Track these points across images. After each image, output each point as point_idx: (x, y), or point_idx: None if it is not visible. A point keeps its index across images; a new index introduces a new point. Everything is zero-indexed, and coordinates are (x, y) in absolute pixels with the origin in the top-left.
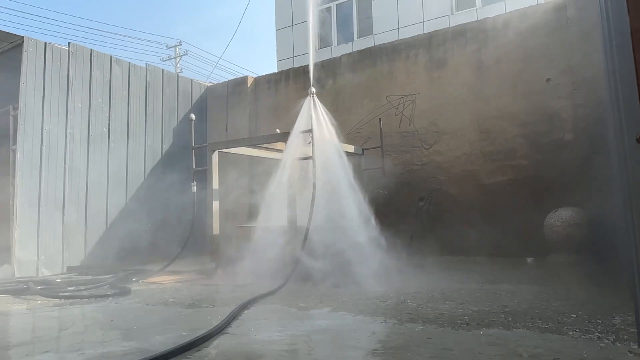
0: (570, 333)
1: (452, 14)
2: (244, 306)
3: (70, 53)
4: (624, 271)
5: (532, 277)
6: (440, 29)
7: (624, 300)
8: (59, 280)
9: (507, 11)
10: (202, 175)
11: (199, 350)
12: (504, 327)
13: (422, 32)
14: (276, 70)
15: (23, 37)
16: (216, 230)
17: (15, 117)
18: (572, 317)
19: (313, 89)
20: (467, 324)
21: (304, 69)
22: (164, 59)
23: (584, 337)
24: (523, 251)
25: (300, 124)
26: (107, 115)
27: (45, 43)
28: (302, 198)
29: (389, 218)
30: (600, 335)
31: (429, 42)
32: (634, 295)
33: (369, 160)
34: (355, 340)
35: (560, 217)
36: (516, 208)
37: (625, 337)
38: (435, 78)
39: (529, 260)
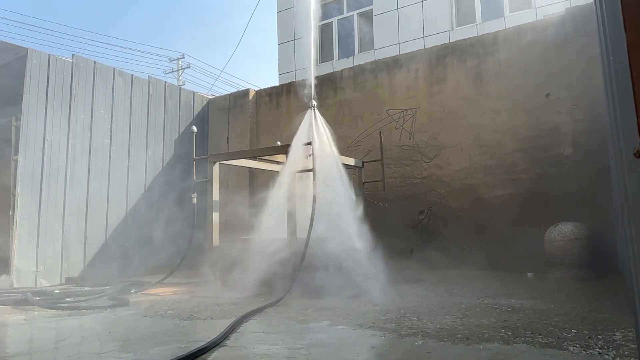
0: (571, 348)
1: (452, 29)
2: (243, 319)
3: (74, 65)
4: (625, 286)
5: (532, 292)
6: (440, 44)
7: (625, 315)
8: (58, 291)
9: (506, 27)
10: (203, 187)
11: None
12: (504, 342)
13: (423, 47)
14: (278, 84)
15: (27, 49)
16: (216, 241)
17: (18, 128)
18: (573, 332)
19: (314, 102)
20: (467, 338)
21: (305, 83)
22: (167, 72)
23: (584, 352)
24: (523, 266)
25: (301, 137)
26: (109, 126)
27: (49, 55)
28: (302, 210)
29: (388, 231)
30: (600, 350)
31: (429, 57)
32: (634, 310)
33: (369, 173)
34: (354, 354)
35: (561, 232)
36: (516, 222)
37: (626, 352)
38: (435, 92)
39: (529, 274)
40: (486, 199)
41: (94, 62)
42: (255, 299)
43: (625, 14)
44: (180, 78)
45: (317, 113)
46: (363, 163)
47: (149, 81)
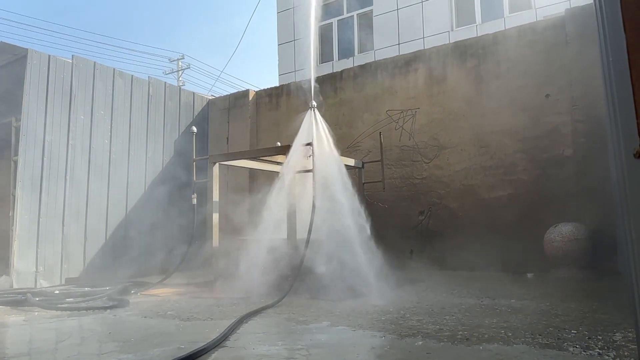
0: (571, 349)
1: (452, 30)
2: (243, 319)
3: (74, 66)
4: (625, 286)
5: (532, 293)
6: (440, 44)
7: (625, 315)
8: (57, 291)
9: (506, 27)
10: (203, 187)
11: None
12: (504, 343)
13: (423, 48)
14: (277, 84)
15: (27, 49)
16: (216, 242)
17: (18, 129)
18: (573, 332)
19: (314, 103)
20: (467, 339)
21: (305, 83)
22: (167, 72)
23: (584, 353)
24: (523, 266)
25: (300, 137)
26: (109, 127)
27: (49, 56)
28: (302, 211)
29: (388, 232)
30: (600, 351)
31: (429, 58)
32: (633, 310)
33: (369, 173)
34: (354, 354)
35: (560, 232)
36: (516, 223)
37: (626, 353)
38: (435, 93)
39: (529, 275)
40: (486, 199)
41: (94, 62)
42: (255, 300)
43: (624, 15)
44: (180, 79)
45: (317, 113)
46: (363, 164)
47: (148, 82)
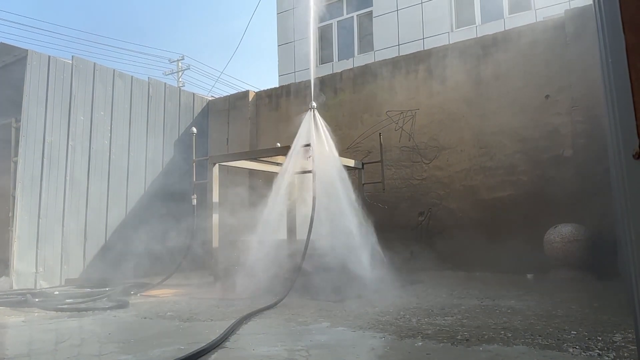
0: (571, 350)
1: (452, 31)
2: (242, 320)
3: (74, 67)
4: (624, 287)
5: (532, 293)
6: (440, 45)
7: (625, 316)
8: (57, 292)
9: (506, 28)
10: (203, 188)
11: None
12: (503, 344)
13: (423, 49)
14: (277, 85)
15: (27, 50)
16: (215, 243)
17: (18, 130)
18: (573, 333)
19: (314, 104)
20: (467, 339)
21: (305, 84)
22: (167, 73)
23: (584, 354)
24: (523, 267)
25: (300, 138)
26: (109, 128)
27: (49, 56)
28: (302, 212)
29: (388, 232)
30: (600, 352)
31: (429, 59)
32: (633, 311)
33: (369, 174)
34: (354, 355)
35: (560, 233)
36: (516, 223)
37: (625, 354)
38: (435, 94)
39: (529, 276)
40: (486, 200)
41: (94, 63)
42: (255, 301)
43: (624, 16)
44: (180, 79)
45: (317, 114)
46: (363, 164)
47: (148, 83)
